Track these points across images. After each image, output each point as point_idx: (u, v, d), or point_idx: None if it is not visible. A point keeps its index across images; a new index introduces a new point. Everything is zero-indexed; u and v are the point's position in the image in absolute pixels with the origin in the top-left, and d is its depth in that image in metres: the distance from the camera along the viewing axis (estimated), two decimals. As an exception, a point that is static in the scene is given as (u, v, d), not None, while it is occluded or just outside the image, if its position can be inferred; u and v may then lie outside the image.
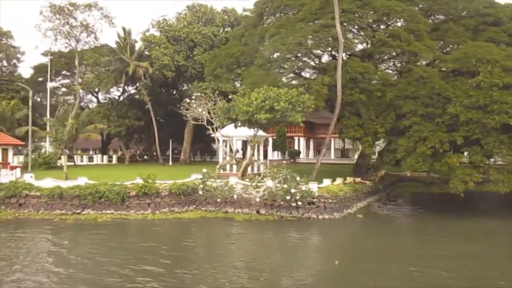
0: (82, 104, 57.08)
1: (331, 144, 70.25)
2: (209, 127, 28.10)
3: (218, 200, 22.51)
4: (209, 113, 27.70)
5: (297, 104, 22.85)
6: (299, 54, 27.12)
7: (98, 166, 45.62)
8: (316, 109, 24.38)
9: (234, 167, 32.10)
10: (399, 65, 27.26)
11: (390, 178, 38.42)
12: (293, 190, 20.08)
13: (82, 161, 50.15)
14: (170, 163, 52.17)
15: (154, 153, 61.38)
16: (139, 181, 24.59)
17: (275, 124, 24.99)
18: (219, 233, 19.37)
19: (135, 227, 20.20)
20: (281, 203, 22.55)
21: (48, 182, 24.29)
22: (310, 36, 24.97)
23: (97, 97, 60.30)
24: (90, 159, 52.43)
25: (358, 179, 29.56)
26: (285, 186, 20.12)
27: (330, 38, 24.91)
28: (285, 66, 27.62)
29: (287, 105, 22.06)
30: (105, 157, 54.85)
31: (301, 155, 58.90)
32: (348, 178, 28.69)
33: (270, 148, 74.48)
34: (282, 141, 59.89)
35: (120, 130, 50.10)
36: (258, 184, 21.41)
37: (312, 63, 25.25)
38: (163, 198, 24.27)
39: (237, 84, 45.96)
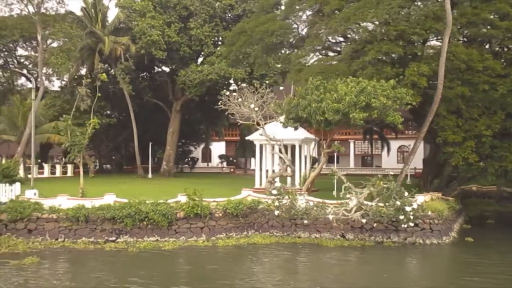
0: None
1: (350, 149, 74.13)
2: (259, 127, 30.10)
3: (305, 222, 24.42)
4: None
5: (392, 100, 25.25)
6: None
7: (55, 180, 46.14)
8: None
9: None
10: (498, 49, 30.19)
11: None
12: (408, 208, 22.38)
13: (29, 173, 50.13)
14: (150, 175, 53.46)
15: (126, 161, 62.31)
16: (181, 198, 26.12)
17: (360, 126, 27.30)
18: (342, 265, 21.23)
19: (216, 259, 21.71)
20: (375, 225, 24.84)
21: (63, 201, 25.32)
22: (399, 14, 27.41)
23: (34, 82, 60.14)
24: (40, 169, 52.61)
25: (439, 195, 32.39)
26: (398, 203, 22.38)
27: (423, 16, 27.50)
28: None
29: (387, 100, 24.39)
30: (58, 167, 55.07)
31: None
32: (430, 193, 31.43)
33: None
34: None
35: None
36: (359, 201, 23.52)
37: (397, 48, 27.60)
38: (218, 220, 25.93)
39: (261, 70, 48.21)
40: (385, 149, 63.68)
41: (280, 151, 30.75)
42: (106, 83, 55.60)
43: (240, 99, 29.94)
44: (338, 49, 34.79)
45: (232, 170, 69.66)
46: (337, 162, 75.23)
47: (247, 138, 37.79)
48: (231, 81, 51.65)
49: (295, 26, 36.66)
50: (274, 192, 24.82)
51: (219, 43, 52.94)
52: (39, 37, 40.45)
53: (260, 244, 24.49)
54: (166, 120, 57.61)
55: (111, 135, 61.49)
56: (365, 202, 24.63)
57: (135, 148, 52.25)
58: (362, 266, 20.73)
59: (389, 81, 25.53)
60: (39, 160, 57.15)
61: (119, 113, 57.77)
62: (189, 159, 72.28)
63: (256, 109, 29.37)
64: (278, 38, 34.16)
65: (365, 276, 18.98)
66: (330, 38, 31.89)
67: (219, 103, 31.06)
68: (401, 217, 22.72)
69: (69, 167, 56.27)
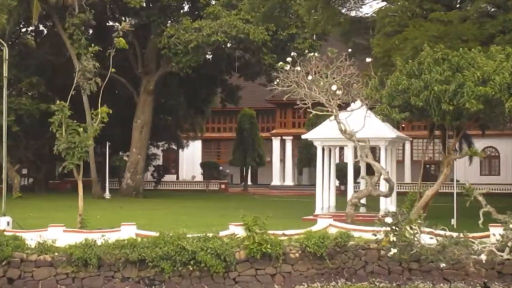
0: None
1: (405, 153, 76.11)
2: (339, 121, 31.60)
3: (442, 265, 25.99)
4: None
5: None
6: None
7: None
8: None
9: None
10: None
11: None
12: None
13: None
14: (107, 193, 54.81)
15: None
16: (235, 230, 27.48)
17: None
18: None
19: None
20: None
21: (59, 235, 26.40)
22: None
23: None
24: None
25: None
26: None
27: None
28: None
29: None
30: None
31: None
32: None
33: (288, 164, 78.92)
34: (308, 150, 64.65)
35: (10, 121, 51.07)
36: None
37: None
38: (294, 264, 27.33)
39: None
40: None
41: (367, 156, 32.19)
42: (40, 48, 57.18)
43: (310, 77, 31.22)
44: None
45: (223, 186, 71.14)
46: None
47: (304, 136, 39.19)
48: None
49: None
50: (388, 220, 26.20)
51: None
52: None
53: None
54: (130, 106, 58.57)
55: (33, 132, 61.62)
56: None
57: (90, 153, 52.96)
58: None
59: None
60: None
61: (54, 93, 58.21)
62: (154, 168, 73.09)
63: (339, 92, 30.77)
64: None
65: None
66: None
67: (275, 83, 32.27)
68: None
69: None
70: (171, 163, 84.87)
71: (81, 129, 28.48)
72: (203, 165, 77.12)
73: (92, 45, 33.40)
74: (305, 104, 32.06)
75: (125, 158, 63.58)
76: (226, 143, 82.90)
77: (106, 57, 55.68)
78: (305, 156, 68.77)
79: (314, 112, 32.17)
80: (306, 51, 34.13)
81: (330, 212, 35.92)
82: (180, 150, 79.83)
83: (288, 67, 32.10)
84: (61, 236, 26.48)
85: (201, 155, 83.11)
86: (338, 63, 32.18)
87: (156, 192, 65.87)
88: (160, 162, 77.75)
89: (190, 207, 45.80)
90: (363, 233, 28.78)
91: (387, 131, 34.89)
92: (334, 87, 30.74)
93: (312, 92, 31.49)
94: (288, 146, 79.77)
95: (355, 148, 34.96)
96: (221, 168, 77.49)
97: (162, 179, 74.01)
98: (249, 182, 76.11)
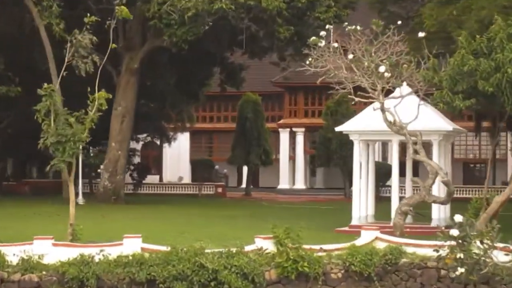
0: None
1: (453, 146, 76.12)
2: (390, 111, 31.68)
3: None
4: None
5: None
6: None
7: None
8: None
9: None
10: None
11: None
12: None
13: None
14: (81, 198, 54.71)
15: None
16: (263, 244, 27.48)
17: None
18: None
19: None
20: None
21: (47, 249, 26.36)
22: None
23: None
24: None
25: None
26: None
27: None
28: None
29: None
30: None
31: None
32: None
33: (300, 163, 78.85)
34: (326, 145, 64.59)
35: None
36: None
37: None
38: (336, 286, 27.34)
39: None
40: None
41: (418, 153, 32.14)
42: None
43: (351, 55, 31.25)
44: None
45: (219, 190, 71.07)
46: (416, 173, 77.52)
47: (338, 128, 39.12)
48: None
49: None
50: (454, 232, 26.19)
51: None
52: None
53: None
54: (108, 89, 58.20)
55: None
56: None
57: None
58: None
59: None
60: None
61: (15, 74, 58.08)
62: (133, 167, 72.85)
63: (388, 74, 30.74)
64: None
65: None
66: None
67: (307, 62, 32.30)
68: None
69: None
70: (152, 161, 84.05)
71: (73, 119, 28.36)
72: (194, 163, 76.48)
73: (88, 15, 33.10)
74: (344, 88, 32.05)
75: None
76: (219, 135, 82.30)
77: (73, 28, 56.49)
78: (323, 153, 67.37)
79: (357, 99, 32.06)
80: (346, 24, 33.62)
81: (369, 223, 35.71)
82: (166, 145, 79.13)
83: (322, 42, 32.08)
84: (50, 251, 26.31)
85: (190, 150, 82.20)
86: (384, 38, 32.07)
87: (138, 197, 65.77)
88: (138, 159, 77.44)
89: (189, 215, 45.80)
90: (418, 248, 28.66)
91: (442, 123, 34.86)
92: (382, 69, 30.67)
93: (355, 76, 31.43)
94: (299, 140, 79.15)
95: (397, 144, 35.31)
96: (217, 167, 76.83)
97: (143, 181, 73.64)
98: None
